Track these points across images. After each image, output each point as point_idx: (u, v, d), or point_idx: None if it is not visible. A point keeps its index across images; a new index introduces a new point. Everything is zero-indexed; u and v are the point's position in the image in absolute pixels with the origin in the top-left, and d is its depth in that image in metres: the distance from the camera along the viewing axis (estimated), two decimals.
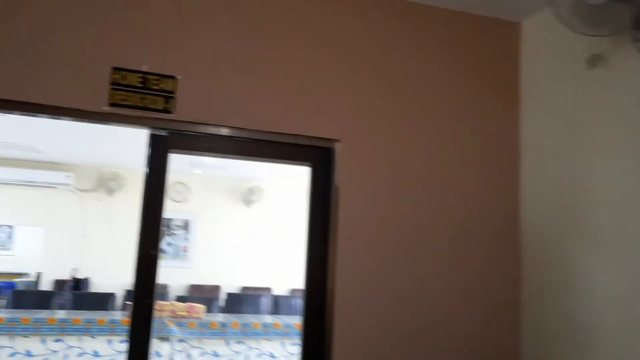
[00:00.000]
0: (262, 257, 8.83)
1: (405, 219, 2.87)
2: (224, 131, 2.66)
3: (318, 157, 2.82)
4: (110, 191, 8.32)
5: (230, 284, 8.67)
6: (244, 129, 2.68)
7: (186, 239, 8.81)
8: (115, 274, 7.58)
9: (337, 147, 2.82)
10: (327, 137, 2.81)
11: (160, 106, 2.55)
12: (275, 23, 2.80)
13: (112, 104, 2.48)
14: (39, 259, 8.20)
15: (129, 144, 6.18)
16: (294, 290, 8.55)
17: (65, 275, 8.01)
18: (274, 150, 2.77)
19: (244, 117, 2.68)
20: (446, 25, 3.11)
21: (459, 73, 3.09)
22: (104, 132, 5.83)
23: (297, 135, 2.77)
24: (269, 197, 9.05)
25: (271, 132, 2.72)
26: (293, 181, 8.37)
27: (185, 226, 8.82)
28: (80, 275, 8.02)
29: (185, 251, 8.79)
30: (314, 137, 2.79)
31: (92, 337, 5.17)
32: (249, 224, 8.97)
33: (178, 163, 7.27)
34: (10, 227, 8.25)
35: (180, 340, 5.44)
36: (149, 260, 2.53)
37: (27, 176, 7.77)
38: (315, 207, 2.80)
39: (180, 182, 8.60)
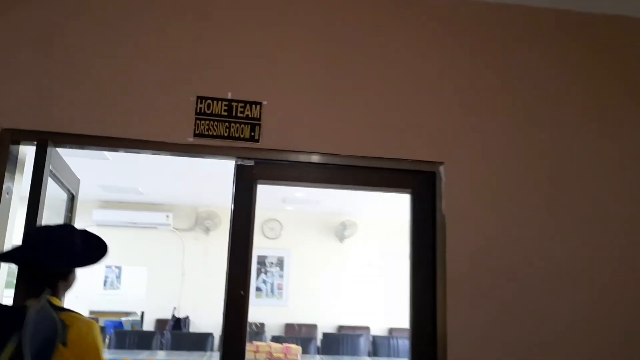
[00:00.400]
0: (359, 294, 8.49)
1: (528, 254, 2.45)
2: (315, 158, 2.43)
3: (419, 182, 2.50)
4: (207, 230, 8.43)
5: (326, 323, 8.37)
6: (337, 154, 2.44)
7: (280, 276, 8.68)
8: (213, 313, 7.58)
9: (441, 170, 2.48)
10: (429, 160, 2.49)
11: (246, 134, 2.38)
12: (364, 43, 2.57)
13: (198, 135, 2.35)
14: (143, 298, 8.44)
15: (223, 182, 6.21)
16: (393, 330, 8.07)
17: (167, 314, 8.15)
18: (370, 177, 2.49)
19: (336, 142, 2.44)
20: (564, 29, 2.71)
21: (586, 78, 2.66)
22: (199, 171, 5.89)
23: (395, 159, 2.47)
24: (363, 232, 8.74)
25: (366, 157, 2.45)
26: (387, 214, 8.04)
27: (280, 263, 8.71)
28: (180, 314, 8.12)
29: (280, 289, 8.65)
30: (413, 160, 2.48)
31: None
32: (343, 260, 8.70)
33: (269, 199, 7.19)
34: (118, 267, 8.61)
35: None
36: (238, 302, 2.32)
37: (130, 218, 8.07)
38: (419, 239, 2.47)
39: (272, 219, 8.55)
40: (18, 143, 2.27)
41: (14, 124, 2.24)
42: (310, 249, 8.71)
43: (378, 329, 8.28)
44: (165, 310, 8.18)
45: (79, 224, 6.60)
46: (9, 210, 2.23)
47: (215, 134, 2.36)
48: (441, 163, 2.48)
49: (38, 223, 2.14)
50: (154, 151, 2.34)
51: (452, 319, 2.35)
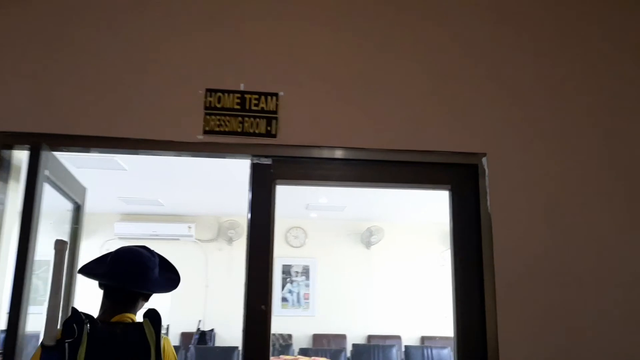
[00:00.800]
0: (388, 302, 8.18)
1: (586, 256, 2.13)
2: (340, 153, 2.16)
3: (459, 177, 2.21)
4: (230, 240, 8.24)
5: (355, 333, 8.08)
6: (364, 149, 2.16)
7: (307, 285, 8.43)
8: (239, 325, 7.34)
9: (484, 162, 2.18)
10: (470, 152, 2.19)
11: (262, 129, 2.12)
12: (396, 26, 2.29)
13: (208, 132, 2.10)
14: (168, 311, 8.26)
15: (245, 190, 6.00)
16: (425, 338, 7.74)
17: (192, 327, 7.95)
18: (403, 172, 2.21)
19: (363, 135, 2.17)
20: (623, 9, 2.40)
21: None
22: (220, 180, 5.69)
23: (431, 151, 2.19)
24: (390, 237, 8.44)
25: (398, 150, 2.17)
26: (415, 218, 7.74)
27: (305, 272, 8.46)
28: (205, 327, 7.91)
29: (306, 299, 8.39)
30: (452, 152, 2.19)
31: None
32: (370, 267, 8.41)
33: (293, 206, 6.95)
34: None
35: None
36: (259, 317, 2.05)
37: (152, 230, 7.93)
38: (462, 241, 2.17)
39: (296, 227, 8.30)
40: (10, 147, 2.05)
41: (5, 126, 2.02)
42: (337, 256, 8.47)
43: (410, 337, 7.97)
44: (190, 323, 7.99)
45: (101, 237, 6.43)
46: (1, 223, 2.02)
47: (227, 130, 2.10)
48: (484, 154, 2.19)
49: (33, 234, 1.92)
50: (161, 152, 2.10)
51: (503, 328, 2.04)
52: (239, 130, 2.11)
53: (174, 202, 7.23)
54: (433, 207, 6.62)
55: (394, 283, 8.22)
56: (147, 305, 1.76)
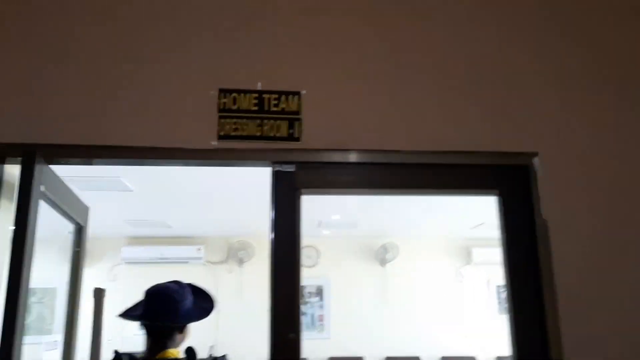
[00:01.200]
0: (405, 321, 7.88)
1: None
2: (371, 157, 1.91)
3: (508, 180, 1.95)
4: (240, 261, 7.98)
5: (373, 354, 7.77)
6: (399, 151, 1.91)
7: (321, 306, 8.12)
8: (253, 350, 7.06)
9: (535, 163, 1.93)
10: (519, 151, 1.94)
11: (283, 132, 1.88)
12: (434, 16, 2.07)
13: (223, 137, 1.86)
14: None
15: (255, 207, 5.76)
16: (446, 359, 7.43)
17: (203, 353, 7.65)
18: (444, 176, 1.95)
19: (397, 135, 1.92)
20: None
21: None
22: (228, 198, 5.46)
23: (474, 152, 1.93)
24: (406, 253, 8.16)
25: (438, 152, 1.92)
26: (430, 233, 7.48)
27: (319, 293, 8.16)
28: (217, 353, 7.62)
29: (321, 320, 8.09)
30: (499, 152, 1.93)
31: None
32: (386, 285, 8.13)
33: (305, 225, 6.74)
34: None
35: None
36: (287, 347, 1.79)
37: (160, 253, 7.68)
38: (515, 252, 1.90)
39: (309, 246, 8.03)
40: (2, 161, 1.81)
41: None
42: (351, 275, 8.22)
43: (429, 358, 7.66)
44: (201, 349, 7.67)
45: (108, 262, 6.18)
46: None
47: (244, 134, 1.86)
48: (535, 154, 1.93)
49: (27, 258, 1.67)
50: (171, 160, 1.86)
51: (569, 349, 1.76)
52: (258, 134, 1.87)
53: (182, 223, 7.01)
54: (449, 221, 6.39)
55: (411, 301, 7.95)
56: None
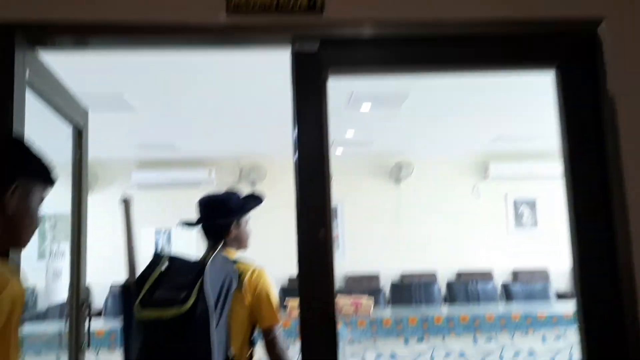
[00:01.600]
0: (420, 239, 7.85)
1: None
2: (409, 29, 1.62)
3: (569, 51, 1.67)
4: (253, 184, 7.85)
5: (389, 271, 7.81)
6: (441, 21, 1.62)
7: (336, 226, 8.09)
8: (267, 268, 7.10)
9: (602, 30, 1.63)
10: (581, 18, 1.64)
11: (303, 3, 1.59)
12: None
13: (233, 10, 1.57)
14: (195, 252, 8.03)
15: (264, 125, 5.50)
16: (462, 274, 7.47)
17: None
18: (493, 49, 1.67)
19: (438, 2, 1.62)
20: None
21: None
22: (238, 117, 5.20)
23: (528, 20, 1.64)
24: (420, 171, 7.99)
25: (485, 22, 1.63)
26: (445, 149, 7.27)
27: (333, 212, 8.10)
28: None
29: (336, 240, 8.08)
30: (557, 19, 1.64)
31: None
32: (401, 204, 8.03)
33: None
34: (168, 231, 8.13)
35: (351, 342, 4.60)
36: (316, 246, 1.61)
37: (171, 177, 7.56)
38: (576, 136, 1.65)
39: None
40: None
41: None
42: (365, 193, 8.10)
43: (445, 274, 7.70)
44: None
45: (119, 187, 6.03)
46: None
47: (258, 4, 1.57)
48: (600, 20, 1.63)
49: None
50: (172, 39, 1.59)
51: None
52: (273, 5, 1.58)
53: (190, 145, 6.80)
54: (467, 135, 6.15)
55: (426, 218, 7.87)
56: None
